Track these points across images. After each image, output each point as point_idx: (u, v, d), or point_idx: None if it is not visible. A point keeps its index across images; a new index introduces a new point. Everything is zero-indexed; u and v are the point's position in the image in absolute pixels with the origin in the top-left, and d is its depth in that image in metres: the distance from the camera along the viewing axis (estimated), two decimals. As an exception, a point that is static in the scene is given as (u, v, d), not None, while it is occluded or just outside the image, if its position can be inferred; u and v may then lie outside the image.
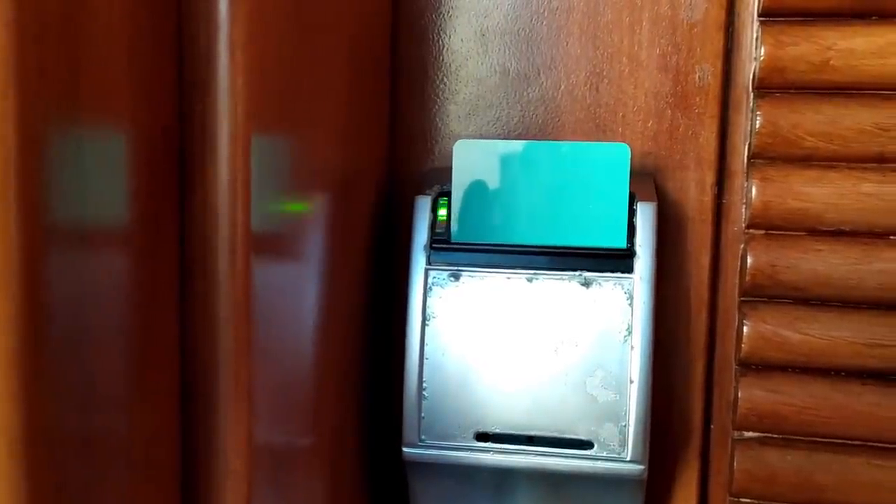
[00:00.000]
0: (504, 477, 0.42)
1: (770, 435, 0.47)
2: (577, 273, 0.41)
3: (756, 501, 0.47)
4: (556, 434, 0.41)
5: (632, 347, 0.40)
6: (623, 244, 0.41)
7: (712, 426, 0.48)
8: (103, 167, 0.25)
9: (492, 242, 0.42)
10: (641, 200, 0.41)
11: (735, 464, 0.47)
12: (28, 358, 0.21)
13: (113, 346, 0.26)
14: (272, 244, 0.34)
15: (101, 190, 0.25)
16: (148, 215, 0.27)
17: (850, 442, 0.46)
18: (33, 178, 0.22)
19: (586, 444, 0.41)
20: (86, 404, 0.24)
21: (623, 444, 0.40)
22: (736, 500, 0.47)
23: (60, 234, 0.23)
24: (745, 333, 0.46)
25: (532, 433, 0.41)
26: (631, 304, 0.40)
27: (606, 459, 0.40)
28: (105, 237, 0.25)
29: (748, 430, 0.47)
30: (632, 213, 0.41)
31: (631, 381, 0.40)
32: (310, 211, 0.38)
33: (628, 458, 0.40)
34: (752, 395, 0.47)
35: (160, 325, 0.28)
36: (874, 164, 0.45)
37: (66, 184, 0.23)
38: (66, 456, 0.23)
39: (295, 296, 0.37)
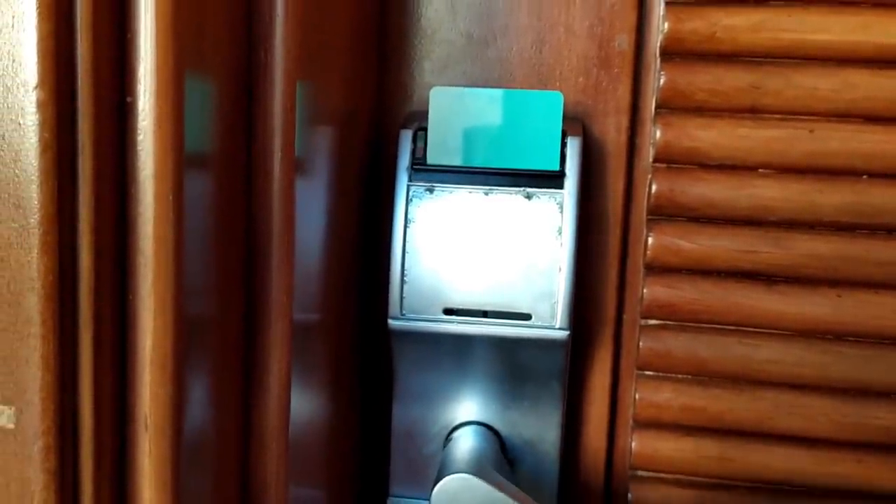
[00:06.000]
0: (464, 342, 0.55)
1: (667, 322, 0.60)
2: (522, 189, 0.54)
3: (656, 373, 0.61)
4: (504, 309, 0.54)
5: (561, 244, 0.54)
6: (556, 167, 0.54)
7: (624, 315, 0.62)
8: (206, 101, 0.37)
9: (458, 165, 0.55)
10: (571, 136, 0.55)
11: (640, 344, 0.61)
12: (176, 243, 0.33)
13: (207, 234, 0.38)
14: (303, 161, 0.46)
15: (203, 119, 0.37)
16: (229, 137, 0.39)
17: (726, 326, 0.59)
18: (179, 110, 0.33)
19: (526, 316, 0.54)
20: (196, 275, 0.36)
21: (553, 315, 0.54)
22: (641, 371, 0.61)
23: (187, 156, 0.33)
24: (650, 243, 0.60)
25: (486, 308, 0.54)
26: (561, 212, 0.54)
27: (541, 327, 0.54)
28: (204, 156, 0.37)
29: (651, 318, 0.60)
30: (563, 146, 0.55)
31: (560, 270, 0.54)
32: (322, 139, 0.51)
33: (557, 326, 0.54)
34: (655, 291, 0.60)
35: (235, 218, 0.40)
36: (748, 114, 0.58)
37: (189, 115, 0.35)
38: (187, 324, 0.35)
39: (313, 202, 0.50)
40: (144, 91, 0.32)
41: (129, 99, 0.32)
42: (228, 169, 0.39)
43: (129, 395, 0.33)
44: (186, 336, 0.34)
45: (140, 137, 0.32)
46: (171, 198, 0.32)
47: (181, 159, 0.33)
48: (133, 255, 0.32)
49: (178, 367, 0.33)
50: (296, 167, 0.42)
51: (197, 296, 0.36)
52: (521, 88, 0.58)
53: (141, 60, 0.31)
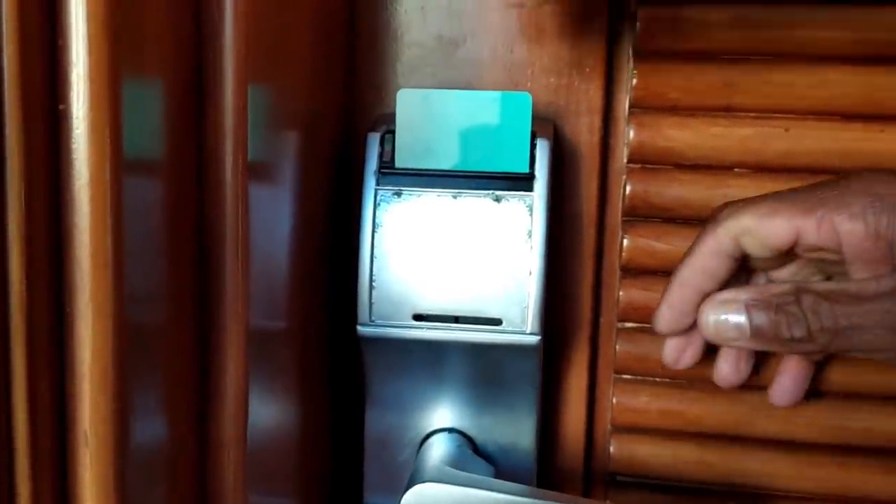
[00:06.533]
0: (435, 348, 0.54)
1: (644, 324, 0.59)
2: (491, 192, 0.53)
3: (633, 376, 0.60)
4: (474, 314, 0.53)
5: (531, 248, 0.53)
6: (526, 169, 0.53)
7: (601, 318, 0.61)
8: (149, 105, 0.36)
9: (426, 168, 0.54)
10: (540, 137, 0.54)
11: (617, 347, 0.60)
12: (115, 252, 0.32)
13: (154, 241, 0.37)
14: (259, 165, 0.45)
15: (147, 124, 0.36)
16: (176, 142, 0.38)
17: (703, 328, 0.59)
18: (116, 116, 0.33)
19: (497, 321, 0.53)
20: (141, 283, 0.35)
21: (524, 320, 0.53)
22: (618, 375, 0.60)
23: (129, 162, 0.32)
24: (625, 245, 0.59)
25: (457, 314, 0.53)
26: (531, 215, 0.53)
27: (512, 332, 0.53)
28: (149, 162, 0.35)
29: (628, 321, 0.60)
30: (533, 147, 0.54)
31: (530, 273, 0.53)
32: (285, 142, 0.50)
33: (528, 331, 0.53)
34: (631, 294, 0.59)
35: (185, 224, 0.39)
36: (722, 113, 0.57)
37: (130, 120, 0.34)
38: (131, 334, 0.34)
39: (274, 206, 0.49)
40: (78, 98, 0.31)
41: (61, 106, 0.31)
42: (177, 174, 0.38)
43: (68, 408, 0.32)
44: (131, 345, 0.34)
45: (74, 146, 0.31)
46: (108, 206, 0.31)
47: (119, 166, 0.32)
48: (70, 265, 0.32)
49: (119, 378, 0.32)
50: (249, 170, 0.41)
51: (142, 304, 0.35)
52: (493, 89, 0.57)
53: (73, 66, 0.31)
